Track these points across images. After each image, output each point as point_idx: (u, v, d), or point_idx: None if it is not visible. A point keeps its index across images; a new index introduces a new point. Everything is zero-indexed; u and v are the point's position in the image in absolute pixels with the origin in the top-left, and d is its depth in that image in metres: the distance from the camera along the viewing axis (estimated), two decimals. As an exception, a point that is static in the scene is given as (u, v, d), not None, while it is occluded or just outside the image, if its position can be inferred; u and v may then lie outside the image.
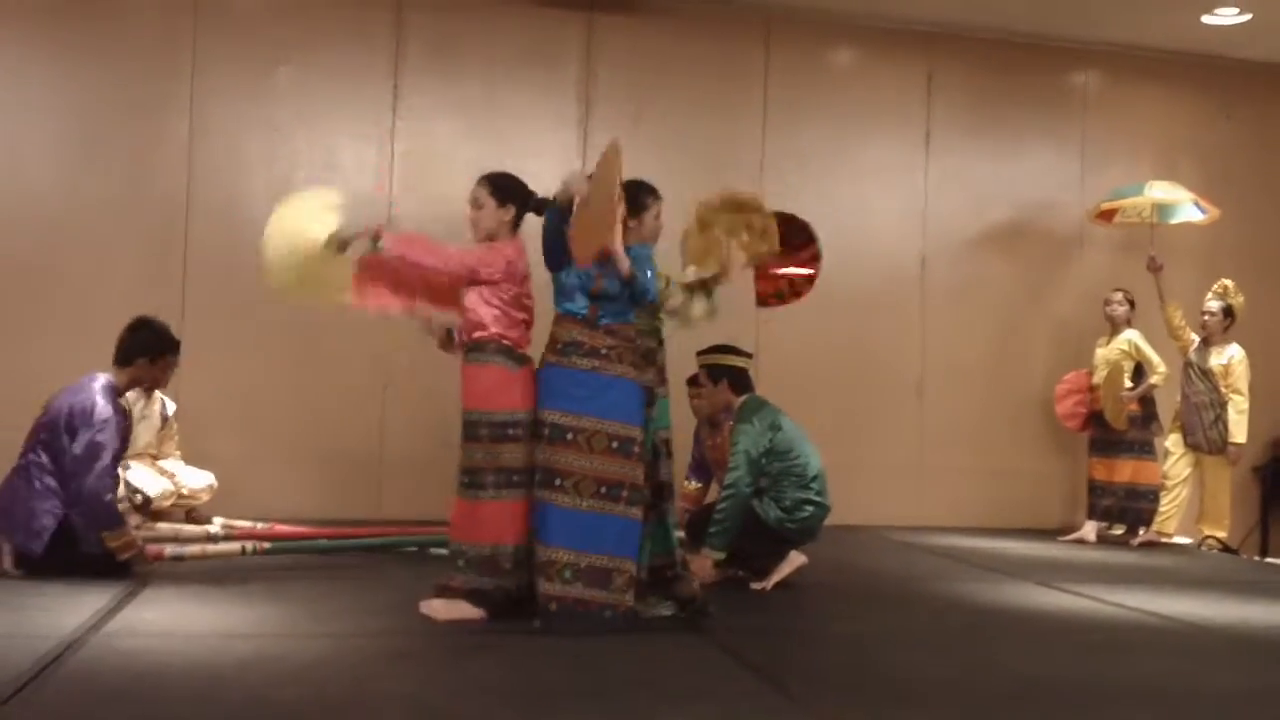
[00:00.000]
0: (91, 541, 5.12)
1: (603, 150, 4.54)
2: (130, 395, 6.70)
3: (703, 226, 5.52)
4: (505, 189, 4.81)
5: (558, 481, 4.46)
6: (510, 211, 4.78)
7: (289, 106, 7.89)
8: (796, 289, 6.30)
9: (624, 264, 4.48)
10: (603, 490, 4.47)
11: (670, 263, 5.47)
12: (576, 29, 8.29)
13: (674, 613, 4.80)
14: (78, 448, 5.11)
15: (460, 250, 4.69)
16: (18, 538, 5.11)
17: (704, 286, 5.37)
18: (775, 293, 6.32)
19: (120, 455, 5.36)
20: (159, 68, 7.72)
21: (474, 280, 4.66)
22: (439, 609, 4.62)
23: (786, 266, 6.17)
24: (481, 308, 4.67)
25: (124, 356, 5.38)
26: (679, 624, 4.72)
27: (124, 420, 5.37)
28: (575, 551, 4.42)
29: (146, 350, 5.40)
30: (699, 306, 5.13)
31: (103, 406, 5.19)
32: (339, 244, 4.72)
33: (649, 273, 4.66)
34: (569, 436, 4.49)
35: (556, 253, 4.62)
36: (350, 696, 3.51)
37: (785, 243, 5.77)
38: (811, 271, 6.25)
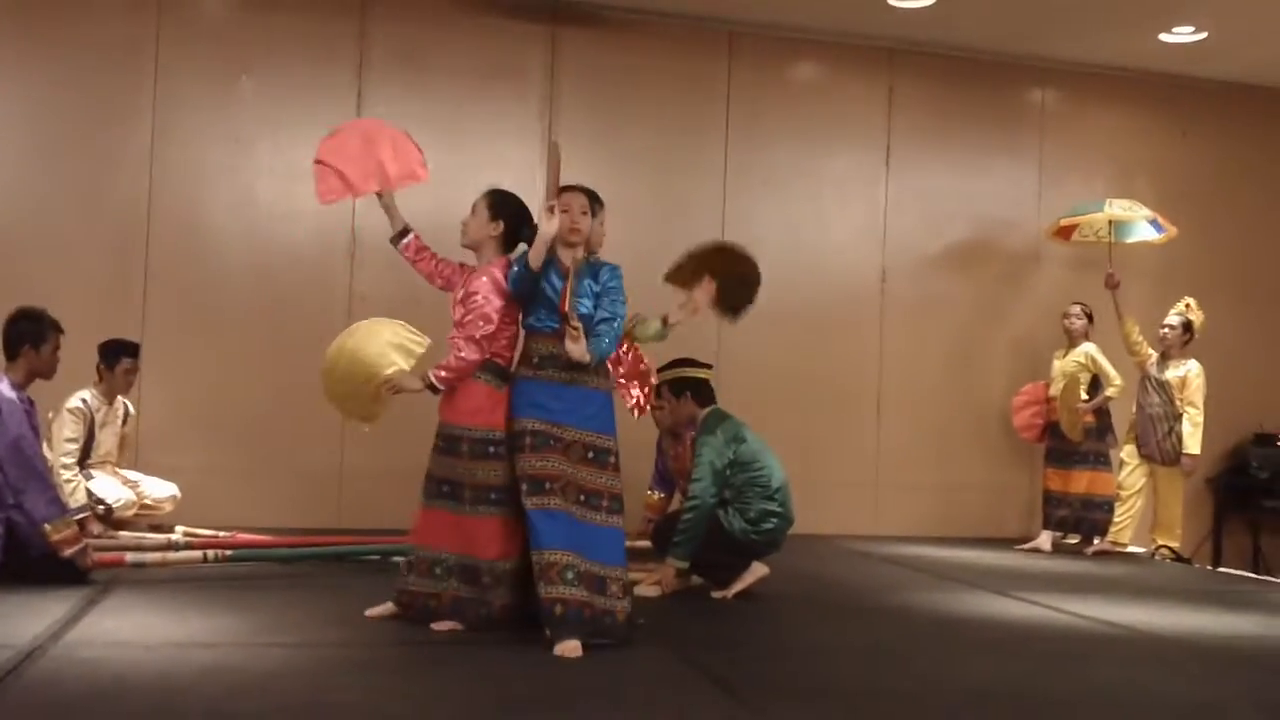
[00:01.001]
0: (37, 544, 5.11)
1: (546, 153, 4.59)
2: (92, 403, 6.72)
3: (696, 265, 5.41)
4: (500, 205, 4.84)
5: (547, 485, 4.43)
6: (499, 227, 4.80)
7: (252, 116, 7.88)
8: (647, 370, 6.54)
9: (585, 357, 4.48)
10: (583, 498, 4.47)
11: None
12: (540, 42, 8.32)
13: None
14: None
15: (475, 335, 4.65)
16: None
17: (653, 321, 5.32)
18: (644, 387, 6.53)
19: (35, 440, 5.30)
20: (121, 75, 7.70)
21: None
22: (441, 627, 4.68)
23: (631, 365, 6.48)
24: None
25: (9, 351, 5.41)
26: (638, 634, 4.74)
27: (29, 407, 5.34)
28: (572, 554, 4.39)
29: (25, 338, 5.41)
30: (652, 328, 5.13)
31: (6, 400, 5.17)
32: (394, 389, 4.84)
33: (616, 319, 4.64)
34: (552, 443, 4.48)
35: (526, 302, 4.63)
36: (310, 706, 3.51)
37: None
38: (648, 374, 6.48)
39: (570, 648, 4.27)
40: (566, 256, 4.62)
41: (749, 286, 5.51)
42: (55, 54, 7.62)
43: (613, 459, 4.60)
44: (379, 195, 5.05)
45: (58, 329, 5.51)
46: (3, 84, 7.57)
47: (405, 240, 4.98)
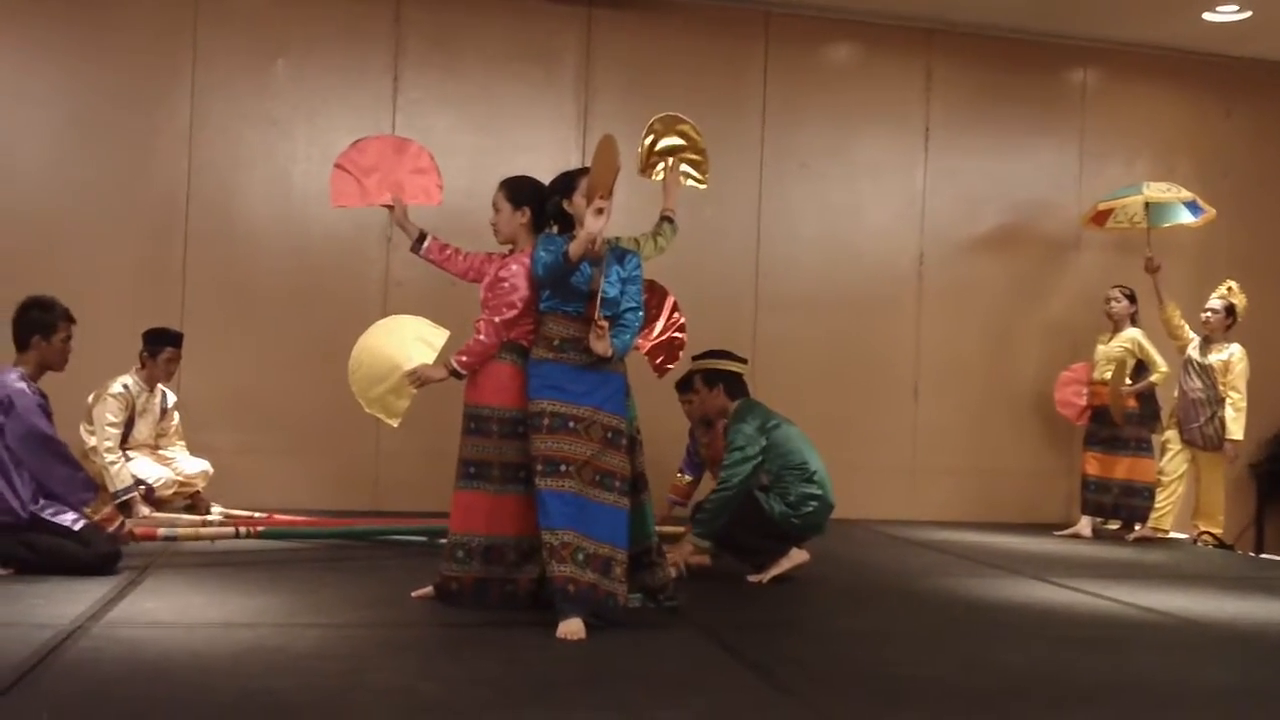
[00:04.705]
0: (70, 550, 5.06)
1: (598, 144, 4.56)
2: (134, 389, 6.77)
3: (655, 138, 5.51)
4: (519, 192, 4.86)
5: (563, 468, 4.46)
6: (526, 214, 4.83)
7: (289, 100, 7.91)
8: (678, 344, 6.60)
9: (609, 352, 4.51)
10: (597, 478, 4.50)
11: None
12: (575, 24, 8.30)
13: (642, 604, 4.82)
14: (10, 439, 5.06)
15: (496, 320, 4.72)
16: None
17: (660, 225, 5.28)
18: (668, 359, 6.59)
19: (52, 431, 5.18)
20: (159, 61, 7.75)
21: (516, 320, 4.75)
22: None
23: (661, 335, 6.55)
24: None
25: (20, 341, 5.26)
26: (672, 616, 4.75)
27: (43, 400, 5.20)
28: (580, 535, 4.42)
29: (36, 328, 5.23)
30: (651, 245, 5.17)
31: (18, 392, 5.10)
32: (418, 381, 4.90)
33: (641, 309, 4.73)
34: (571, 425, 4.50)
35: (551, 288, 4.62)
36: (347, 687, 3.54)
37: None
38: (681, 319, 6.59)
39: (574, 629, 4.30)
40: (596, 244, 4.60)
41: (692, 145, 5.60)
42: (93, 39, 7.68)
43: (624, 441, 4.62)
44: (390, 209, 5.15)
45: (69, 318, 5.33)
46: (42, 69, 7.63)
47: (425, 245, 5.04)
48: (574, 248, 4.45)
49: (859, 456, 8.34)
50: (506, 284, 4.72)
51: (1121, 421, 8.07)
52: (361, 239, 7.89)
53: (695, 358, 6.19)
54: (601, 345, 4.49)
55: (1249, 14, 8.44)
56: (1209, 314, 8.04)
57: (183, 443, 7.12)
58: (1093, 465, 8.23)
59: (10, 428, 5.06)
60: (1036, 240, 9.16)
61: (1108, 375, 8.10)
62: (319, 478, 7.72)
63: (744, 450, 5.63)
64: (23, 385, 5.14)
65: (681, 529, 6.43)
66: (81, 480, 5.21)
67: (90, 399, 6.65)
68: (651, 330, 6.48)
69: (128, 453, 6.75)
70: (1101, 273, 8.88)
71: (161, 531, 5.77)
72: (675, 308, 6.61)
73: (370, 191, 5.14)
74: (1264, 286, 8.81)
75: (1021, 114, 9.17)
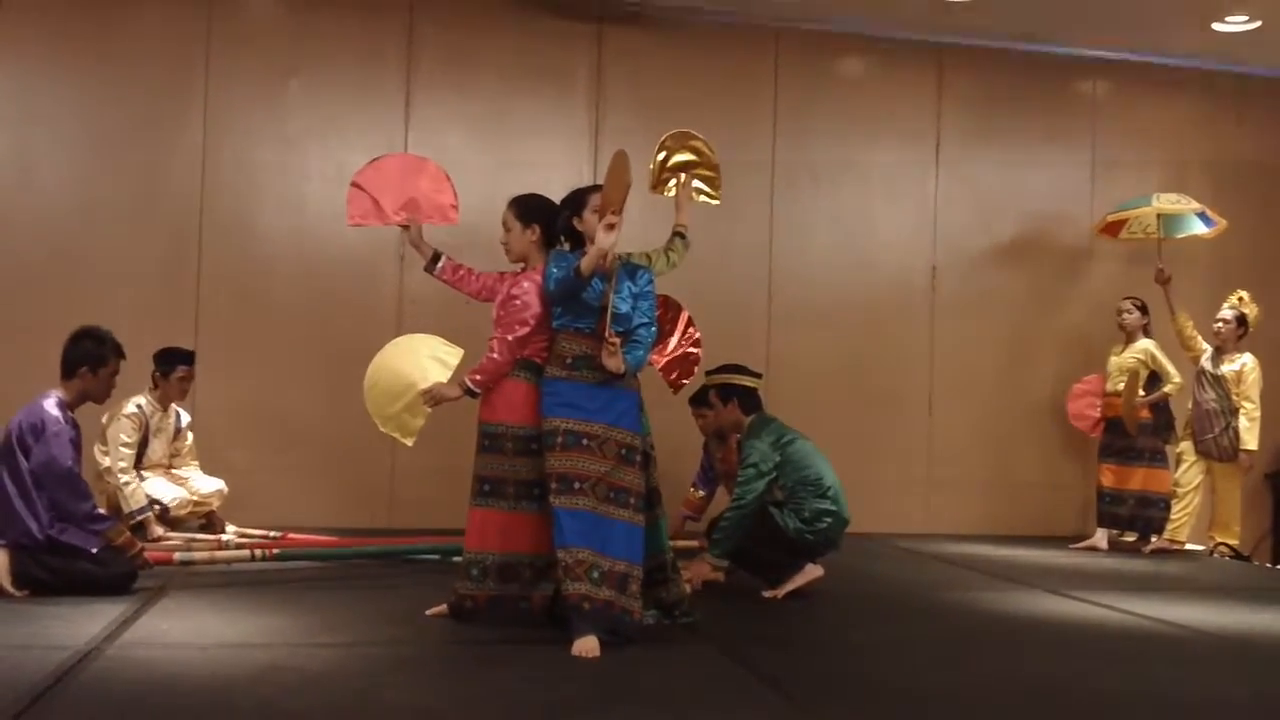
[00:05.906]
0: (81, 567, 5.08)
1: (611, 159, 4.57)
2: (147, 409, 6.79)
3: (666, 154, 5.50)
4: (529, 210, 4.87)
5: (576, 485, 4.46)
6: (536, 231, 4.84)
7: (301, 119, 7.95)
8: (693, 359, 6.62)
9: (622, 368, 4.52)
10: (611, 495, 4.50)
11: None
12: (586, 41, 8.33)
13: (658, 620, 4.81)
14: (34, 464, 5.05)
15: (509, 338, 4.73)
16: (11, 535, 5.05)
17: (672, 241, 5.25)
18: (683, 374, 6.62)
19: (76, 463, 5.17)
20: (173, 80, 7.80)
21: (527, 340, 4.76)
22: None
23: (676, 349, 6.58)
24: None
25: (66, 369, 5.23)
26: (688, 632, 4.75)
27: (75, 433, 5.20)
28: (595, 553, 4.42)
29: (86, 360, 5.21)
30: (663, 261, 5.15)
31: (52, 420, 5.09)
32: (433, 400, 4.89)
33: (653, 325, 4.74)
34: (584, 442, 4.51)
35: (563, 305, 4.63)
36: (362, 706, 3.54)
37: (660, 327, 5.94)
38: (696, 333, 6.63)
39: (589, 646, 4.29)
40: (608, 259, 4.61)
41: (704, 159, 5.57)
42: (108, 57, 7.73)
43: (639, 457, 4.63)
44: (405, 229, 5.17)
45: (120, 354, 5.33)
46: (56, 87, 7.68)
47: (439, 265, 5.07)
48: (585, 262, 4.47)
49: (872, 469, 8.33)
50: (519, 301, 4.74)
51: (1135, 432, 8.05)
52: (376, 257, 7.92)
53: (709, 372, 6.20)
54: (614, 362, 4.49)
55: (1258, 24, 8.43)
56: (1221, 324, 8.04)
57: (196, 463, 7.15)
58: (1108, 477, 8.20)
59: (36, 453, 5.07)
60: (1050, 251, 9.15)
61: (1120, 386, 8.08)
62: (334, 495, 7.74)
63: (758, 467, 5.63)
64: (58, 414, 5.14)
65: (695, 543, 6.45)
66: (95, 518, 5.18)
67: (104, 419, 6.68)
68: (666, 345, 6.49)
69: (142, 473, 6.77)
70: (1115, 283, 8.86)
71: (177, 556, 5.77)
72: (690, 323, 6.62)
73: (386, 211, 5.16)
74: (1275, 296, 8.77)
75: (1033, 126, 9.17)
